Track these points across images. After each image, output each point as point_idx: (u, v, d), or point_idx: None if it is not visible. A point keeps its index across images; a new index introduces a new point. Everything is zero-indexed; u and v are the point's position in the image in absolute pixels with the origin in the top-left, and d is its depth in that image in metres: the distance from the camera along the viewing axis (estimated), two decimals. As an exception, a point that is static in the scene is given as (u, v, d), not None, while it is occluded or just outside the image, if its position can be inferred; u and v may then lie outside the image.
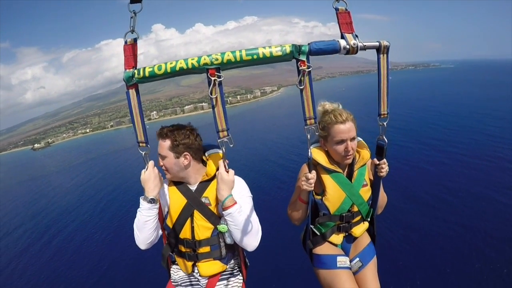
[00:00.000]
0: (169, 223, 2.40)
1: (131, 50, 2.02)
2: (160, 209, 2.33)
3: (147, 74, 1.96)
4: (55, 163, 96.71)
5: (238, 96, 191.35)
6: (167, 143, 2.29)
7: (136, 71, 1.99)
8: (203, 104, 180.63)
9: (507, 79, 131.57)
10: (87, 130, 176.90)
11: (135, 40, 2.03)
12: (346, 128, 2.44)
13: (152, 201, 2.19)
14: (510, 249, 18.82)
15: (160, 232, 2.41)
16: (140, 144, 2.14)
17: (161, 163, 2.32)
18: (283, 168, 41.54)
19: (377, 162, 2.47)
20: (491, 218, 22.62)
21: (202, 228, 2.33)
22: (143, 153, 2.15)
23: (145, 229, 2.24)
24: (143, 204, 2.20)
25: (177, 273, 2.62)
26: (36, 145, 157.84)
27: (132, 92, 2.05)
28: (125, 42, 2.01)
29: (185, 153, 2.30)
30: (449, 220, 23.34)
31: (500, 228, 21.06)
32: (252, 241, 2.25)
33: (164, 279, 2.73)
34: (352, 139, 2.48)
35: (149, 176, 2.20)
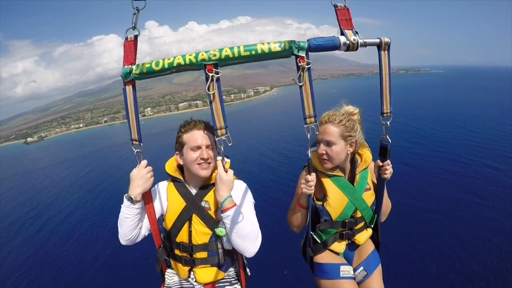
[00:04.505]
0: (166, 225, 2.33)
1: (131, 47, 2.01)
2: (152, 211, 2.28)
3: (144, 70, 1.94)
4: (50, 157, 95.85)
5: (232, 95, 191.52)
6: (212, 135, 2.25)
7: (134, 67, 1.97)
8: (197, 102, 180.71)
9: (495, 85, 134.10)
10: (80, 125, 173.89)
11: (135, 37, 2.01)
12: (321, 129, 2.36)
13: (130, 199, 2.13)
14: (474, 242, 21.58)
15: (144, 232, 2.35)
16: (134, 142, 2.11)
17: (208, 155, 2.22)
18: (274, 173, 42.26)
19: (381, 164, 2.37)
20: (465, 218, 24.75)
21: (200, 233, 2.26)
22: (136, 151, 2.11)
23: (124, 226, 2.20)
24: (124, 201, 2.17)
25: (172, 277, 2.55)
26: (29, 139, 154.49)
27: (129, 88, 2.02)
28: (126, 39, 1.99)
29: None
30: (420, 216, 25.46)
31: (470, 227, 23.52)
32: (250, 246, 2.11)
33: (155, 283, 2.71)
34: (328, 143, 2.35)
35: (136, 175, 2.13)
